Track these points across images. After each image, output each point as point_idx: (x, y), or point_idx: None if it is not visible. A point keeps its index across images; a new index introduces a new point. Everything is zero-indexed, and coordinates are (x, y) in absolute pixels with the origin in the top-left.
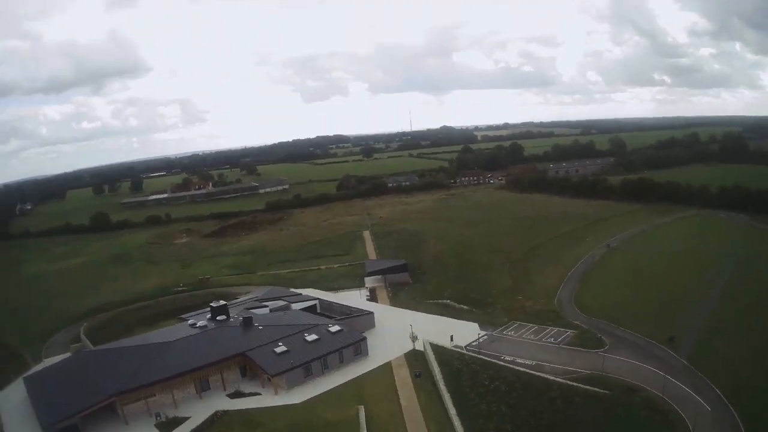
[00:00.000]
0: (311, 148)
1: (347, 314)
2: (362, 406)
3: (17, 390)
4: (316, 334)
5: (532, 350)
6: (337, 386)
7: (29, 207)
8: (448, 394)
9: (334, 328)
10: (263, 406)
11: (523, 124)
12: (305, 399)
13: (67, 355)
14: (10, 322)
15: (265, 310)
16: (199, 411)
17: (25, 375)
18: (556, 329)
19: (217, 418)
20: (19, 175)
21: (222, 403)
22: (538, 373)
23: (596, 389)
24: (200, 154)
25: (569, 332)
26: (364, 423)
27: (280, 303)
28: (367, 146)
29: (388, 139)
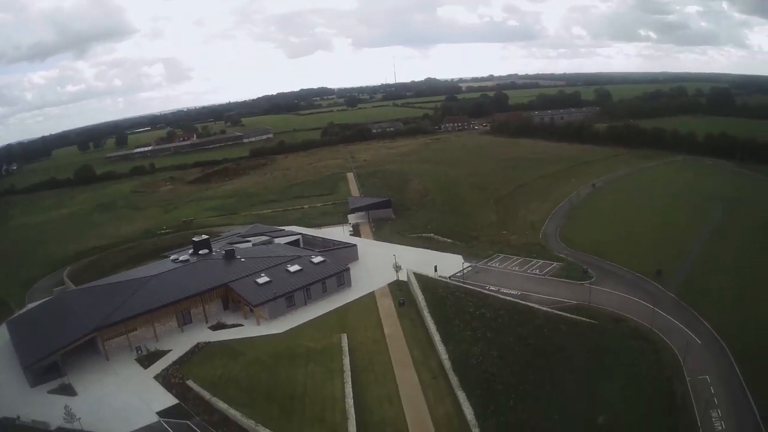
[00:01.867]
0: (295, 101)
1: (330, 247)
2: (345, 334)
3: (1, 335)
4: (299, 265)
5: (517, 281)
6: (319, 316)
7: (15, 167)
8: (432, 321)
9: (317, 259)
10: (245, 336)
11: (508, 77)
12: (288, 328)
13: (49, 298)
14: None
15: (248, 245)
16: (181, 343)
17: (8, 320)
18: (541, 261)
19: (199, 349)
20: (5, 140)
21: (204, 335)
22: (523, 302)
23: (583, 318)
24: (185, 110)
25: (555, 264)
26: (347, 349)
27: (263, 238)
28: (352, 97)
29: (372, 91)
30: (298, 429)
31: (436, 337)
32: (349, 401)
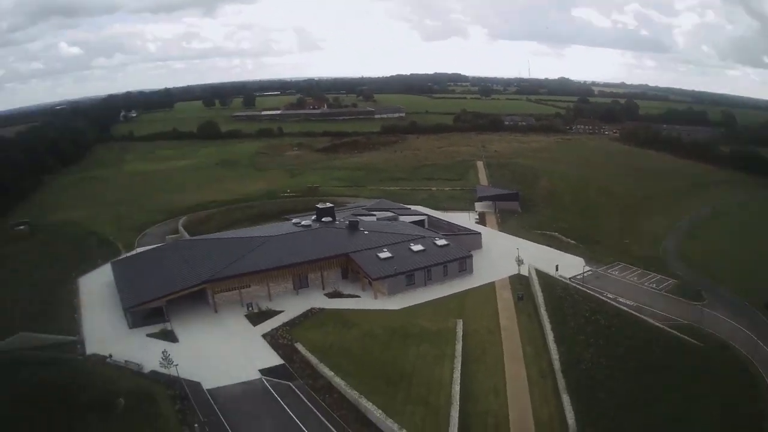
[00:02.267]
0: (429, 84)
1: (454, 232)
2: (461, 320)
3: (104, 273)
4: (422, 245)
5: (634, 292)
6: (438, 298)
7: (134, 114)
8: (548, 320)
9: (441, 242)
10: (361, 308)
11: (639, 86)
12: (405, 306)
13: (161, 244)
14: (107, 213)
15: (372, 219)
16: (294, 306)
17: (113, 260)
18: (658, 276)
19: (312, 314)
20: (125, 88)
21: (319, 301)
22: (637, 314)
23: (691, 340)
24: (315, 79)
25: (671, 281)
26: (461, 335)
27: (388, 214)
28: (485, 86)
29: (505, 83)
30: (400, 407)
31: (550, 337)
32: (456, 387)
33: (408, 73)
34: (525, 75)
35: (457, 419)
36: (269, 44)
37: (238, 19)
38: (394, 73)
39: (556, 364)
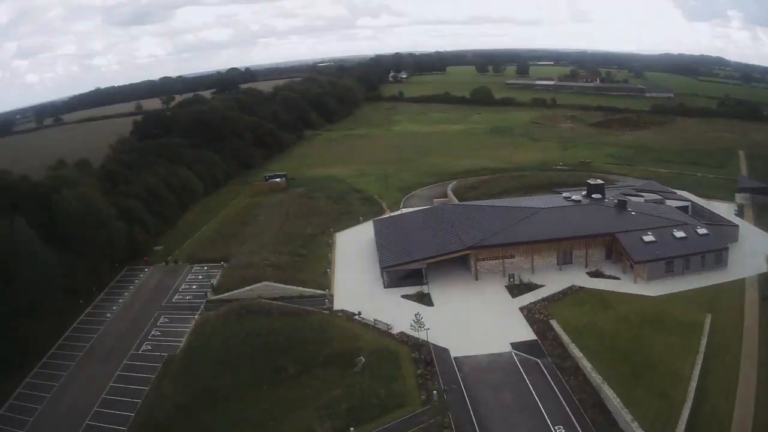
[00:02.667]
0: (694, 65)
1: (715, 222)
2: (709, 314)
3: (363, 231)
4: (685, 233)
5: None
6: (692, 288)
7: (404, 76)
8: None
9: (702, 231)
10: (619, 291)
11: None
12: (661, 293)
13: (427, 207)
14: (373, 172)
15: (640, 200)
16: (556, 282)
17: (375, 219)
18: None
19: (572, 292)
20: (395, 49)
21: (580, 279)
22: None
23: None
24: (588, 52)
25: None
26: (707, 331)
27: (655, 197)
28: (746, 73)
29: (763, 71)
30: (640, 396)
31: None
32: (693, 384)
33: (676, 53)
34: None
35: (686, 417)
36: (541, 12)
37: None
38: (662, 52)
39: None
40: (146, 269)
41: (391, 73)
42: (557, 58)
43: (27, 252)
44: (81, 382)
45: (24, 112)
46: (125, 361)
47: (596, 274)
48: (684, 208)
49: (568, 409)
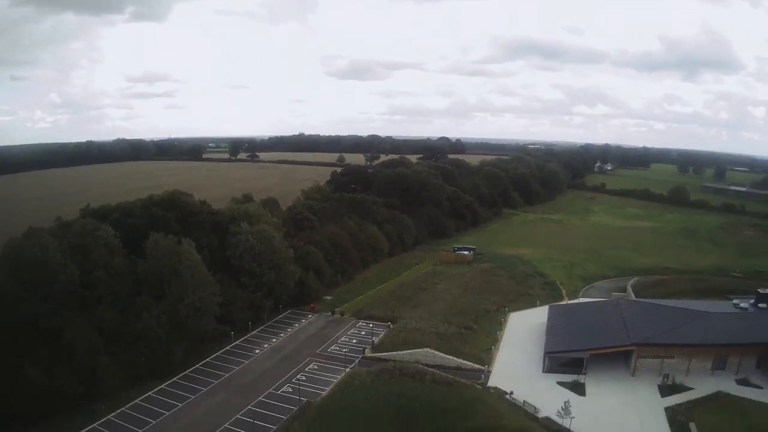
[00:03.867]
0: None
1: None
2: None
3: (538, 314)
4: None
5: None
6: None
7: (609, 167)
8: None
9: None
10: (759, 400)
11: None
12: None
13: (604, 299)
14: (560, 258)
15: None
16: (705, 385)
17: (551, 304)
18: None
19: (717, 398)
20: (602, 140)
21: (728, 385)
22: None
23: None
24: None
25: None
26: None
27: None
28: None
29: None
30: None
31: None
32: None
33: None
34: None
35: None
36: (744, 118)
37: (718, 87)
38: None
39: None
40: (310, 315)
41: (597, 164)
42: (752, 164)
43: (186, 272)
44: (206, 408)
45: (218, 142)
46: (260, 398)
47: (743, 382)
48: None
49: None
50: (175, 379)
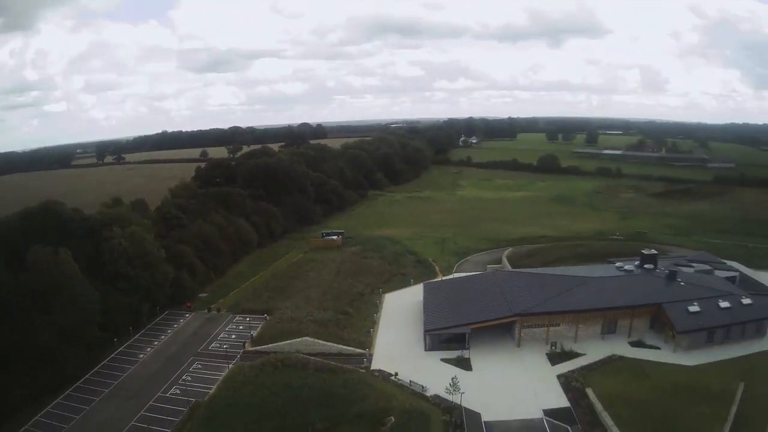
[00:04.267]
0: (758, 135)
1: (760, 292)
2: (743, 383)
3: (414, 293)
4: (729, 303)
5: None
6: (729, 358)
7: (474, 141)
8: None
9: (746, 301)
10: (657, 360)
11: None
12: (697, 363)
13: (479, 273)
14: (431, 235)
15: (690, 270)
16: (596, 350)
17: (426, 282)
18: None
19: (611, 361)
20: (467, 113)
21: (621, 348)
22: None
23: None
24: (657, 121)
25: None
26: (738, 399)
27: (705, 267)
28: None
29: None
30: None
31: None
32: None
33: (740, 122)
34: None
35: None
36: (615, 81)
37: (585, 53)
38: (727, 121)
39: None
40: (187, 315)
41: (462, 138)
42: (626, 127)
43: (67, 283)
44: (101, 418)
45: (86, 147)
46: (151, 402)
47: (638, 344)
48: (732, 279)
49: None
50: (68, 392)
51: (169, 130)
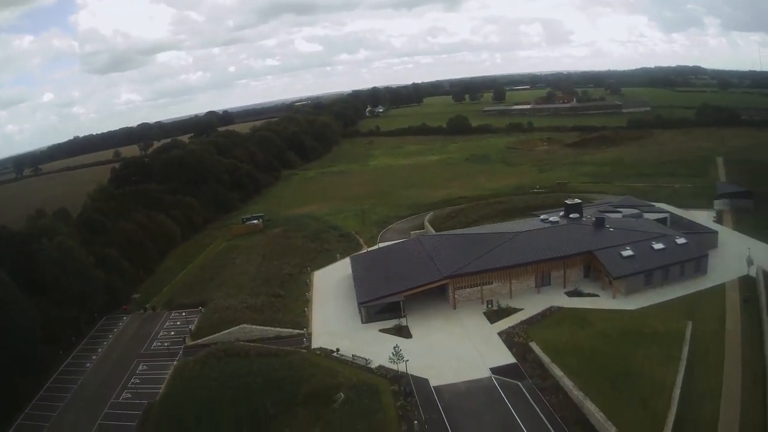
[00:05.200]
0: (671, 76)
1: (693, 230)
2: (690, 322)
3: (342, 267)
4: (663, 244)
5: None
6: (672, 299)
7: (381, 110)
8: None
9: (681, 240)
10: (598, 307)
11: None
12: (640, 306)
13: (404, 240)
14: (350, 208)
15: (618, 216)
16: (534, 304)
17: (352, 255)
18: None
19: (551, 313)
20: (371, 84)
21: (559, 299)
22: None
23: None
24: (564, 73)
25: None
26: (689, 338)
27: (633, 211)
28: (723, 80)
29: (740, 76)
30: (623, 408)
31: None
32: (676, 391)
33: (652, 66)
34: (757, 68)
35: (672, 423)
36: (518, 37)
37: (484, 12)
38: (638, 66)
39: None
40: (125, 317)
41: (368, 108)
42: (534, 81)
43: (5, 302)
44: None
45: (4, 163)
46: (106, 410)
47: (575, 294)
48: (662, 220)
49: (550, 427)
50: (26, 411)
51: (81, 135)
